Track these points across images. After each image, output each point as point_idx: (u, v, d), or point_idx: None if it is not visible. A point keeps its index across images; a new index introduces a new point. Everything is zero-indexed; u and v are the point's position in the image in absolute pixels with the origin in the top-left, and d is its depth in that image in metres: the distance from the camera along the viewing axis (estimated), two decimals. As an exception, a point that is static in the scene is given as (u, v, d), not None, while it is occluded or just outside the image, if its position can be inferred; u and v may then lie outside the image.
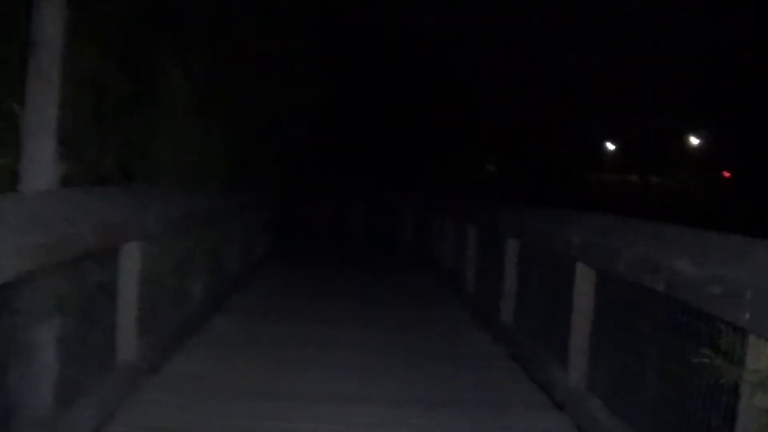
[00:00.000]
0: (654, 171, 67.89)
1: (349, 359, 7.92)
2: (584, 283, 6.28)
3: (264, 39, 13.06)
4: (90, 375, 5.49)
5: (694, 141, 61.38)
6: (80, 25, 6.31)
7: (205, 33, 10.59)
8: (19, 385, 4.50)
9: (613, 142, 73.57)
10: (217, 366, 7.41)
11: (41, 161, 5.79)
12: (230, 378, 7.01)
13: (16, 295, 4.34)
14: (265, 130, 14.26)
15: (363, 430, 5.94)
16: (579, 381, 6.22)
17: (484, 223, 11.00)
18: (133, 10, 8.10)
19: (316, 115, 17.21)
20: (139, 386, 6.30)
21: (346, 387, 6.97)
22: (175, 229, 7.77)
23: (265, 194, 15.88)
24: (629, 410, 5.19)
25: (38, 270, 4.25)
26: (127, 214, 6.11)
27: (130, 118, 8.37)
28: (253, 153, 13.72)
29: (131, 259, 6.21)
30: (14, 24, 6.39)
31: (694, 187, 55.36)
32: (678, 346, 4.32)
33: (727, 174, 50.93)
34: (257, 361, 7.66)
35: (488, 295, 9.93)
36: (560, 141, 56.65)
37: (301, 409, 6.23)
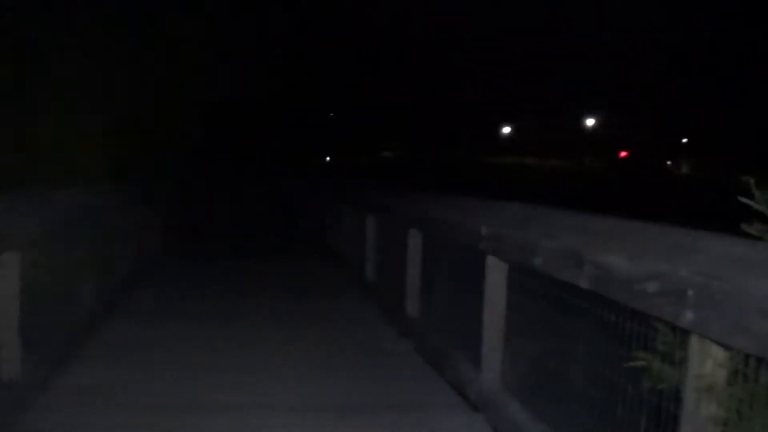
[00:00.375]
0: (552, 153, 68.60)
1: (249, 362, 7.54)
2: (496, 277, 5.96)
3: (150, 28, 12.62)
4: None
5: (590, 123, 62.37)
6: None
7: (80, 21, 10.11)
8: None
9: (509, 126, 74.26)
10: (112, 376, 6.92)
11: None
12: (126, 389, 6.54)
13: None
14: (157, 126, 13.87)
15: None
16: (494, 381, 5.92)
17: (383, 211, 10.67)
18: None
19: (213, 114, 16.89)
20: (27, 405, 5.83)
21: (246, 393, 6.55)
22: (58, 232, 7.29)
23: (160, 191, 15.40)
24: (551, 413, 4.91)
25: None
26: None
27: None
28: (145, 148, 13.33)
29: (9, 270, 5.74)
30: None
31: (593, 167, 56.51)
32: (607, 347, 4.05)
33: (623, 154, 52.10)
34: (154, 368, 7.22)
35: (392, 287, 9.63)
36: (457, 126, 57.14)
37: (197, 420, 5.84)
